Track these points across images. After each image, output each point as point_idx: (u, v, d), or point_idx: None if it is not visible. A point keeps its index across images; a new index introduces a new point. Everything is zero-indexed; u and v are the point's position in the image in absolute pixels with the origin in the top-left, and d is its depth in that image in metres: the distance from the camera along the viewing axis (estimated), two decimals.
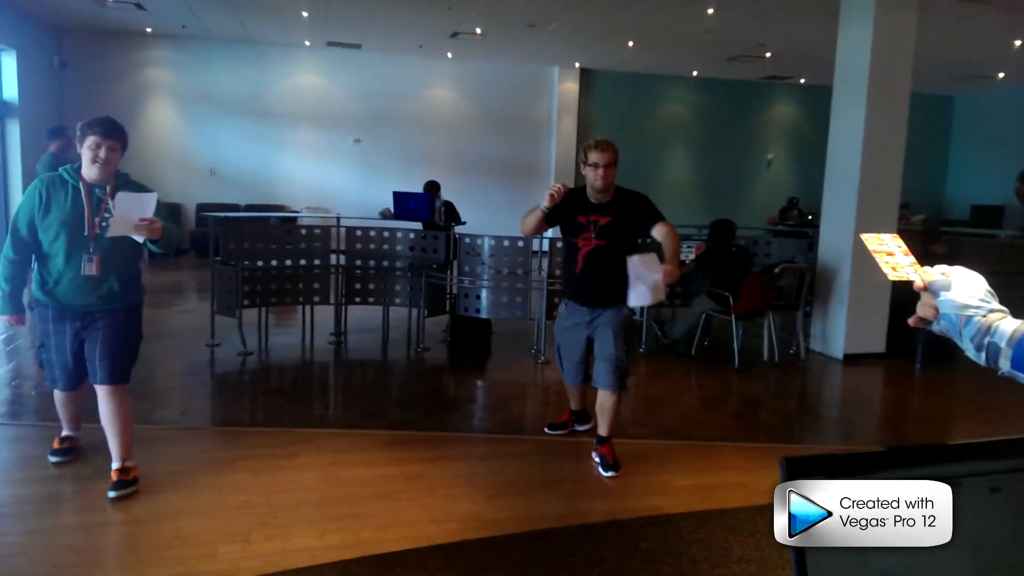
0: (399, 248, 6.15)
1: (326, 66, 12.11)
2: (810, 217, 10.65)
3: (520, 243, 5.65)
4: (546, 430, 4.12)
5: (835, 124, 6.48)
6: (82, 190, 2.95)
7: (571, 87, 12.96)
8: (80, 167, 2.98)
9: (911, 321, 1.01)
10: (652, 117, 13.50)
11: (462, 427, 4.38)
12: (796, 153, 14.10)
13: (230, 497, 2.15)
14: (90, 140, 2.91)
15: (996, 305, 0.93)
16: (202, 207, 11.27)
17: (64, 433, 3.44)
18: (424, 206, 6.60)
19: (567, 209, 3.46)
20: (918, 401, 5.64)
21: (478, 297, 5.81)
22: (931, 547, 0.86)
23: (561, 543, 1.12)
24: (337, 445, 3.79)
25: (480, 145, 12.66)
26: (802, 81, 13.43)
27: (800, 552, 0.83)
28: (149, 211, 2.85)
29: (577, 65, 12.76)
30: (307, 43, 11.63)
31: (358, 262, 6.16)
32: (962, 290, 0.94)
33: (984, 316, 0.92)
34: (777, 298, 6.07)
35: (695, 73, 13.14)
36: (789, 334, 6.43)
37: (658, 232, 3.40)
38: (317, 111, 12.11)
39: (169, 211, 11.43)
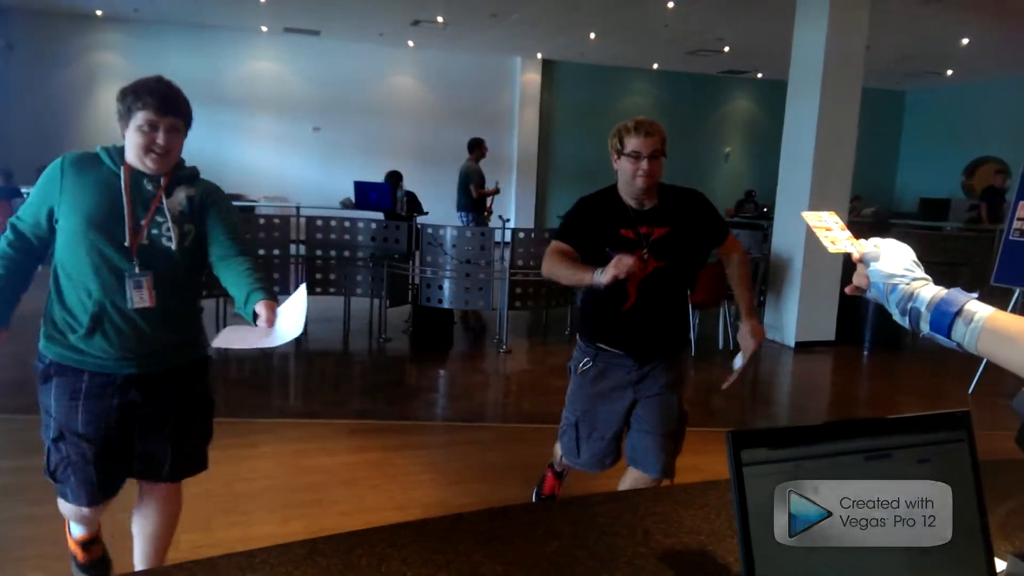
0: (360, 238, 6.12)
1: (284, 53, 11.91)
2: (765, 209, 10.90)
3: (482, 233, 5.69)
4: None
5: (790, 118, 6.64)
6: (123, 178, 1.89)
7: (533, 78, 12.99)
8: (123, 148, 1.94)
9: (848, 290, 1.09)
10: (613, 109, 13.60)
11: (425, 415, 4.41)
12: (753, 146, 14.38)
13: (191, 487, 2.14)
14: (140, 118, 1.85)
15: (920, 274, 1.02)
16: None
17: (81, 534, 2.17)
18: (386, 196, 6.59)
19: (597, 225, 2.38)
20: (864, 386, 5.85)
21: (440, 287, 5.82)
22: (868, 513, 0.92)
23: (523, 518, 1.16)
24: (299, 435, 3.79)
25: (442, 135, 12.62)
26: (759, 76, 13.68)
27: (744, 515, 0.88)
28: (302, 313, 1.83)
29: (539, 56, 12.79)
30: (264, 29, 11.43)
31: (318, 252, 6.12)
32: (889, 260, 1.02)
33: (908, 284, 1.00)
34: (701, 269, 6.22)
35: (655, 66, 13.29)
36: None
37: (726, 256, 2.52)
38: (275, 98, 11.92)
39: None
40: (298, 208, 6.41)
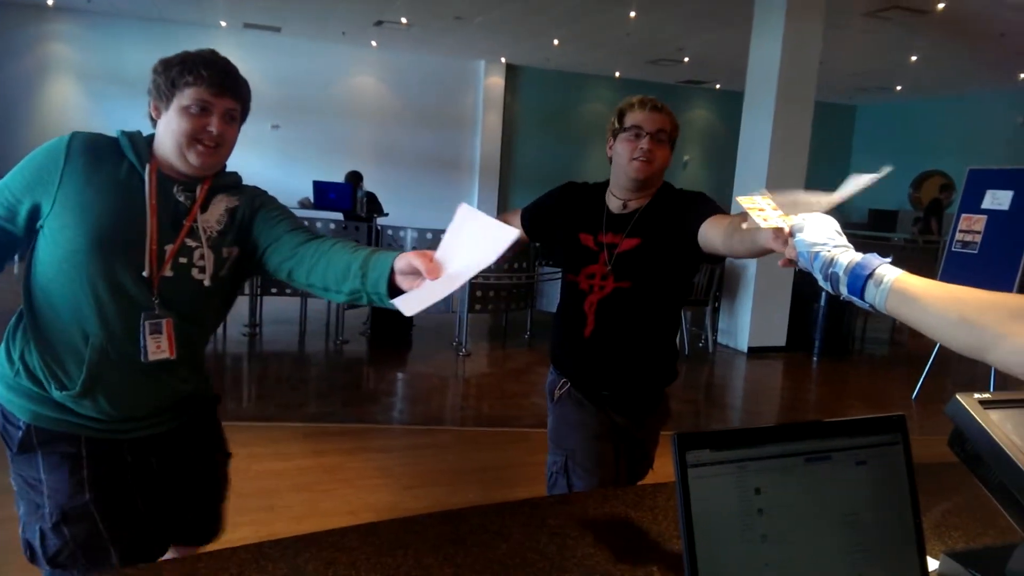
0: None
1: (243, 49, 11.71)
2: None
3: (442, 236, 5.67)
4: None
5: (746, 128, 6.78)
6: (148, 181, 1.40)
7: (497, 82, 13.02)
8: (152, 138, 1.48)
9: (780, 263, 1.14)
10: (575, 115, 13.71)
11: (382, 419, 4.38)
12: (711, 156, 14.63)
13: None
14: (189, 96, 1.40)
15: (841, 241, 1.07)
16: None
17: None
18: (345, 196, 6.54)
19: (563, 219, 1.98)
20: (813, 391, 6.00)
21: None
22: (806, 514, 0.95)
23: (473, 521, 1.17)
24: (252, 438, 3.73)
25: (404, 137, 12.55)
26: (717, 86, 13.94)
27: (688, 515, 0.90)
28: (500, 248, 1.29)
29: (503, 60, 12.82)
30: (223, 24, 11.23)
31: None
32: (813, 230, 1.08)
33: (829, 251, 1.05)
34: (688, 294, 6.32)
35: (617, 74, 13.43)
36: (699, 328, 6.72)
37: (710, 228, 1.71)
38: None
39: None
40: None
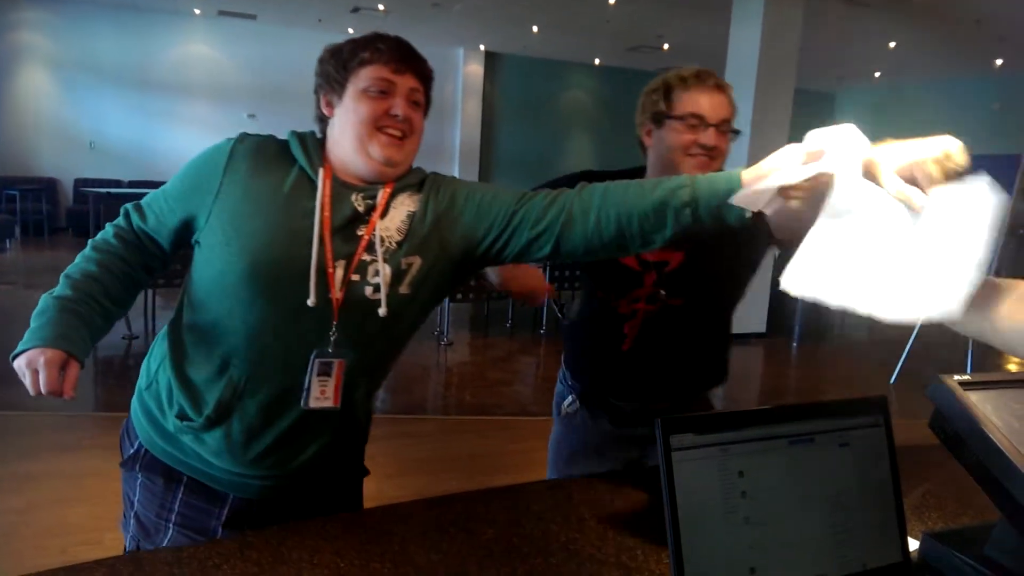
0: None
1: (218, 37, 11.54)
2: None
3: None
4: None
5: None
6: (321, 188, 1.17)
7: (476, 70, 12.94)
8: (323, 140, 1.26)
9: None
10: (555, 103, 13.68)
11: None
12: None
13: (116, 483, 2.06)
14: (367, 76, 1.19)
15: None
16: (80, 183, 10.55)
17: None
18: None
19: None
20: (793, 376, 6.06)
21: None
22: (789, 496, 0.96)
23: (457, 508, 1.17)
24: None
25: None
26: None
27: (672, 498, 0.90)
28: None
29: (482, 48, 12.75)
30: (197, 11, 11.04)
31: None
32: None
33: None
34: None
35: (597, 61, 13.41)
36: None
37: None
38: (208, 84, 11.54)
39: (43, 187, 10.72)
40: None
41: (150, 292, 5.56)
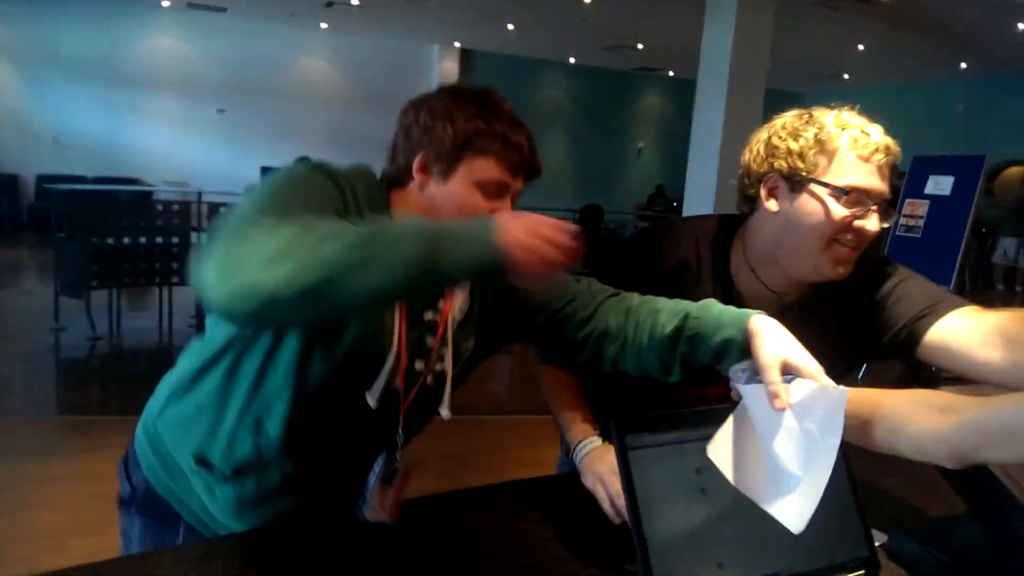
0: None
1: (187, 30, 11.35)
2: (675, 204, 11.23)
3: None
4: None
5: (698, 116, 6.84)
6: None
7: (451, 67, 12.89)
8: (388, 190, 1.07)
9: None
10: (530, 102, 13.67)
11: None
12: (664, 143, 14.78)
13: (83, 488, 2.01)
14: (484, 170, 1.01)
15: None
16: (43, 179, 10.28)
17: None
18: None
19: None
20: None
21: None
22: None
23: (431, 509, 1.15)
24: None
25: (357, 122, 12.34)
26: (671, 74, 14.06)
27: (632, 496, 0.90)
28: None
29: (457, 45, 12.70)
30: (165, 3, 10.85)
31: None
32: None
33: None
34: None
35: (572, 60, 13.44)
36: None
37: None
38: (177, 78, 11.34)
39: (3, 183, 10.42)
40: (200, 194, 6.12)
41: (115, 292, 5.44)
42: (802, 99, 15.26)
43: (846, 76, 12.70)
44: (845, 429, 0.86)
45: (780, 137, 1.14)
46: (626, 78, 14.08)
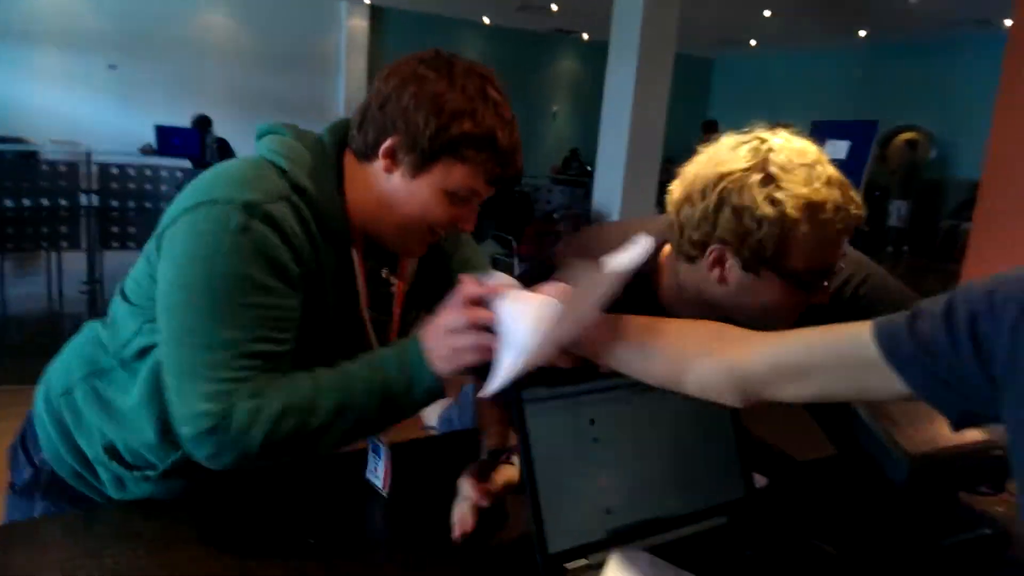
0: (164, 188, 5.59)
1: None
2: (588, 168, 11.35)
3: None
4: None
5: (610, 80, 6.88)
6: (357, 267, 1.02)
7: (360, 24, 12.46)
8: (340, 156, 1.06)
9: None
10: None
11: None
12: (578, 107, 14.84)
13: None
14: (461, 177, 0.96)
15: None
16: None
17: None
18: (192, 142, 6.10)
19: None
20: None
21: None
22: (637, 441, 0.97)
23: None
24: None
25: (260, 79, 11.80)
26: (585, 37, 14.07)
27: (520, 407, 0.90)
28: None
29: (367, 1, 12.28)
30: None
31: (114, 203, 5.52)
32: None
33: None
34: (556, 241, 6.45)
35: (486, 20, 13.24)
36: None
37: None
38: (63, 31, 10.49)
39: None
40: (89, 154, 5.72)
41: (54, 255, 5.05)
42: (709, 64, 15.62)
43: (753, 42, 13.03)
44: (624, 361, 0.85)
45: (738, 195, 1.01)
46: (541, 40, 14.00)
